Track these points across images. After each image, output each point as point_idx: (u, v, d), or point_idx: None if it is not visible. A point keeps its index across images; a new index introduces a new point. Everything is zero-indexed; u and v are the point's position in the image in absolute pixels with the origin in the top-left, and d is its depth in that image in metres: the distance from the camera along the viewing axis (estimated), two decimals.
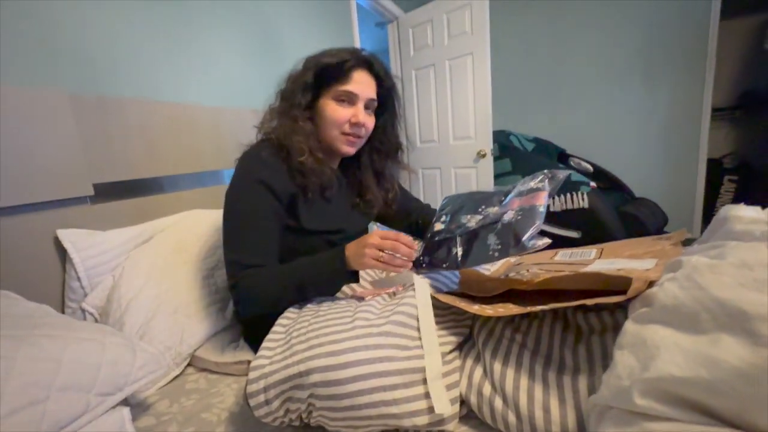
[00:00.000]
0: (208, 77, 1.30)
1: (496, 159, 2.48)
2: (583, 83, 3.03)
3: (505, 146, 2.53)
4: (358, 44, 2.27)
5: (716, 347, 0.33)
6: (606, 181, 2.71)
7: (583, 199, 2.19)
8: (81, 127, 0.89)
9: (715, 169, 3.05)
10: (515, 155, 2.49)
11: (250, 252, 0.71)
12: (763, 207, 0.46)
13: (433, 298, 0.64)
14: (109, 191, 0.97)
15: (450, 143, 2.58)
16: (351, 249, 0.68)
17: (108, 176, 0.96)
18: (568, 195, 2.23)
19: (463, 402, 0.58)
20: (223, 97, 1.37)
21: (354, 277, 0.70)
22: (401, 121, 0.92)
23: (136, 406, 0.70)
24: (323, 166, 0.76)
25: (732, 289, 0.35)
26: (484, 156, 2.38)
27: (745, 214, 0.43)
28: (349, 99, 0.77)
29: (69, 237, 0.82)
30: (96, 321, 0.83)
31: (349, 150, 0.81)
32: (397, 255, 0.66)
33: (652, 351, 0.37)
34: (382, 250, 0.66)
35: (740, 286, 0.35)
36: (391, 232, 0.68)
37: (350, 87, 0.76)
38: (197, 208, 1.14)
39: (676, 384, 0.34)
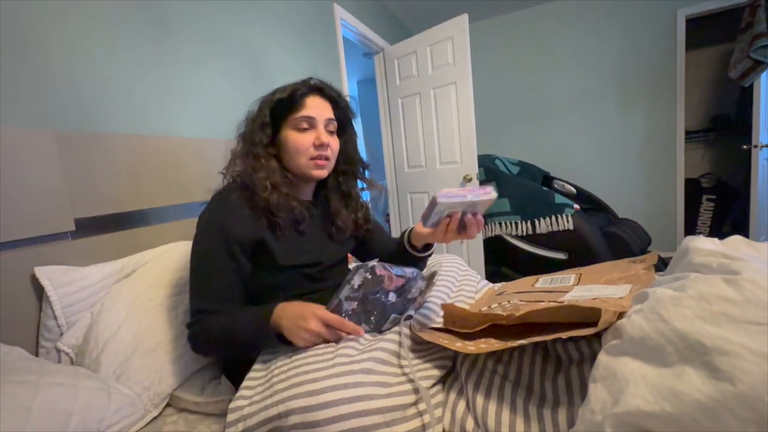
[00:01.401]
0: (195, 110, 1.33)
1: (482, 183, 2.53)
2: (562, 110, 3.16)
3: (490, 170, 2.59)
4: (345, 74, 2.35)
5: (680, 381, 0.34)
6: (589, 203, 2.78)
7: (568, 221, 2.24)
8: (65, 164, 0.89)
9: (694, 189, 3.16)
10: (501, 178, 2.55)
11: (204, 296, 0.72)
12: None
13: (416, 334, 0.64)
14: (91, 225, 0.96)
15: (437, 168, 2.63)
16: (286, 318, 0.65)
17: (91, 211, 0.96)
18: (554, 217, 2.28)
19: None
20: (211, 128, 1.39)
21: (284, 340, 0.67)
22: (356, 141, 0.93)
23: None
24: (290, 201, 0.76)
25: (692, 322, 0.37)
26: (470, 180, 2.43)
27: (704, 246, 0.45)
28: (309, 123, 0.78)
29: (47, 274, 0.81)
30: (72, 361, 0.81)
31: (321, 173, 0.81)
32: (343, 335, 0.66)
33: (622, 384, 0.38)
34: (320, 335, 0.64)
35: (699, 319, 0.37)
36: (336, 318, 0.65)
37: (306, 111, 0.77)
38: (183, 239, 1.14)
39: (643, 418, 0.35)
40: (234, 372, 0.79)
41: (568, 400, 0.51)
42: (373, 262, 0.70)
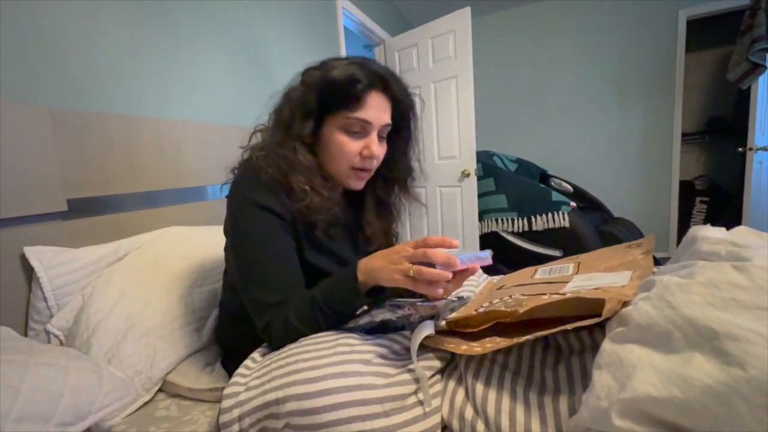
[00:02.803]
0: (193, 94, 1.30)
1: (480, 178, 2.53)
2: (562, 108, 3.17)
3: (488, 166, 2.59)
4: None
5: (689, 366, 0.34)
6: (585, 201, 2.79)
7: (564, 219, 2.25)
8: (59, 142, 0.87)
9: (688, 191, 3.20)
10: (498, 175, 2.55)
11: (276, 288, 0.63)
12: (728, 227, 0.48)
13: (423, 342, 0.63)
14: (84, 207, 0.94)
15: (435, 162, 2.62)
16: (375, 263, 0.57)
17: (84, 192, 0.93)
18: (550, 214, 2.29)
19: (445, 427, 0.56)
20: (208, 113, 1.37)
21: (377, 294, 0.60)
22: (416, 144, 0.79)
23: None
24: (330, 204, 0.66)
25: (701, 308, 0.36)
26: (468, 175, 2.43)
27: (712, 234, 0.45)
28: (362, 128, 0.66)
29: (37, 254, 0.79)
30: (61, 344, 0.79)
31: (358, 185, 0.71)
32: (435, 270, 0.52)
33: (629, 370, 0.38)
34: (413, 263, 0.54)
35: (709, 305, 0.36)
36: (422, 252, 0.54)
37: (363, 114, 0.64)
38: (178, 224, 1.12)
39: (651, 404, 0.34)
40: (230, 360, 0.78)
41: (569, 389, 0.51)
42: (399, 300, 0.64)
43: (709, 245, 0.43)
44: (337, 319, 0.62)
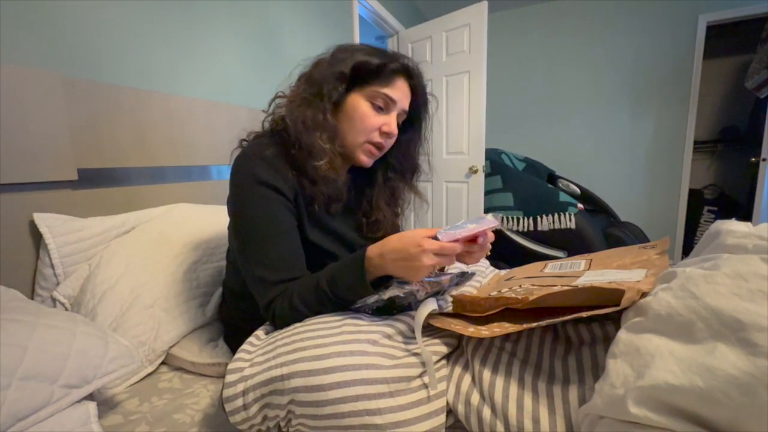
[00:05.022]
0: (204, 72, 1.29)
1: (487, 176, 2.51)
2: (573, 110, 3.13)
3: (496, 164, 2.57)
4: None
5: (712, 356, 0.33)
6: (593, 204, 2.77)
7: (570, 220, 2.23)
8: (71, 110, 0.86)
9: (696, 200, 3.17)
10: (506, 173, 2.53)
11: (277, 266, 0.63)
12: None
13: (427, 321, 0.63)
14: (93, 178, 0.93)
15: (443, 157, 2.60)
16: (390, 261, 0.57)
17: (94, 162, 0.93)
18: (556, 215, 2.27)
19: (450, 411, 0.56)
20: (219, 93, 1.36)
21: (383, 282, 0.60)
22: (426, 144, 0.82)
23: (103, 403, 0.65)
24: (338, 176, 0.66)
25: (727, 299, 0.35)
26: (476, 172, 2.41)
27: (737, 228, 0.44)
28: (386, 104, 0.68)
29: (46, 221, 0.79)
30: (67, 311, 0.79)
31: (368, 161, 0.72)
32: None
33: (647, 359, 0.37)
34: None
35: (735, 296, 0.35)
36: (448, 246, 0.56)
37: (391, 92, 0.67)
38: (184, 202, 1.12)
39: (670, 392, 0.33)
40: (233, 337, 0.77)
41: (579, 379, 0.50)
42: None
43: (734, 239, 0.42)
44: (341, 305, 0.62)
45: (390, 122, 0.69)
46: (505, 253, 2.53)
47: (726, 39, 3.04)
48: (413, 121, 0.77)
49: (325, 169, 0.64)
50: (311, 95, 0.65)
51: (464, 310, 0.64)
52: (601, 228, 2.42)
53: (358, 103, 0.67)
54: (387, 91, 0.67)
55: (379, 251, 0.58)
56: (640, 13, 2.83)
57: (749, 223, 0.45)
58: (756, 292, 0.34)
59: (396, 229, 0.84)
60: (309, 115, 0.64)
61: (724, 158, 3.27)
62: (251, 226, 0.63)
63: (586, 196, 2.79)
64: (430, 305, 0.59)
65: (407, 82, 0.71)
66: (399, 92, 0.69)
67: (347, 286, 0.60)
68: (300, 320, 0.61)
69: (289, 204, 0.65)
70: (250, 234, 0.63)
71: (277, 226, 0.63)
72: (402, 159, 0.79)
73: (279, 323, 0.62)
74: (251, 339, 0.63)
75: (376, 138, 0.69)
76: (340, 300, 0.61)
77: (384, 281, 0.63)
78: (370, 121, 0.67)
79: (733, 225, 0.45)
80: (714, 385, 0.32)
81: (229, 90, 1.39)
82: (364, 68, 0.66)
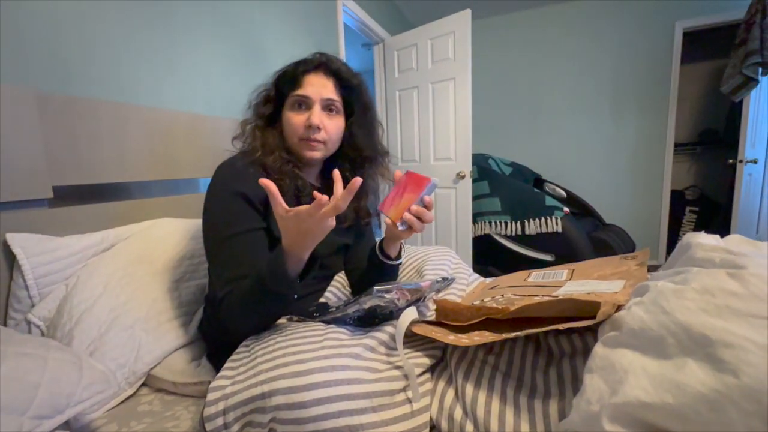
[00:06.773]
0: (187, 84, 1.28)
1: (474, 181, 2.53)
2: (557, 115, 3.19)
3: (483, 169, 2.59)
4: None
5: (682, 372, 0.34)
6: (578, 207, 2.82)
7: (557, 224, 2.26)
8: (46, 127, 0.84)
9: (678, 201, 3.24)
10: (493, 178, 2.55)
11: (231, 264, 0.67)
12: (721, 236, 0.48)
13: (407, 328, 0.63)
14: (70, 194, 0.91)
15: (431, 163, 2.62)
16: (291, 233, 0.58)
17: (71, 179, 0.91)
18: (543, 219, 2.30)
19: (434, 427, 0.56)
20: (204, 105, 1.34)
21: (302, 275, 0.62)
22: (376, 126, 0.87)
23: (79, 430, 0.63)
24: (291, 167, 0.76)
25: (696, 315, 0.36)
26: (463, 177, 2.43)
27: (706, 241, 0.45)
28: (304, 102, 0.76)
29: (19, 242, 0.76)
30: (42, 334, 0.77)
31: (313, 155, 0.78)
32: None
33: (620, 375, 0.37)
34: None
35: (703, 311, 0.36)
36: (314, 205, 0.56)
37: (301, 90, 0.76)
38: (168, 216, 1.10)
39: (643, 409, 0.34)
40: (217, 355, 0.76)
41: (560, 392, 0.50)
42: (388, 286, 0.65)
43: (703, 252, 0.43)
44: (278, 300, 0.62)
45: (311, 116, 0.75)
46: (494, 257, 2.55)
47: (702, 45, 3.14)
48: (353, 107, 0.82)
49: (272, 162, 0.74)
50: (254, 119, 0.81)
51: (446, 319, 0.64)
52: (587, 231, 2.46)
53: (285, 113, 0.78)
54: (299, 92, 0.76)
55: (284, 233, 0.60)
56: (618, 21, 2.90)
57: (717, 236, 0.46)
58: (723, 308, 0.35)
59: (358, 218, 0.88)
60: (250, 133, 0.79)
61: (703, 160, 3.36)
62: (214, 230, 0.70)
63: (571, 200, 2.83)
64: (411, 315, 0.59)
65: (324, 73, 0.78)
66: (312, 87, 0.76)
67: (271, 274, 0.59)
68: (247, 320, 0.64)
69: (257, 207, 0.71)
70: (208, 236, 0.71)
71: (233, 228, 0.68)
72: (357, 148, 0.85)
73: (229, 323, 0.65)
74: (233, 355, 0.62)
75: (304, 134, 0.76)
76: (274, 295, 0.60)
77: (312, 265, 0.65)
78: (293, 121, 0.76)
79: (702, 238, 0.46)
80: (684, 402, 0.32)
81: (212, 101, 1.38)
82: (282, 82, 0.79)
